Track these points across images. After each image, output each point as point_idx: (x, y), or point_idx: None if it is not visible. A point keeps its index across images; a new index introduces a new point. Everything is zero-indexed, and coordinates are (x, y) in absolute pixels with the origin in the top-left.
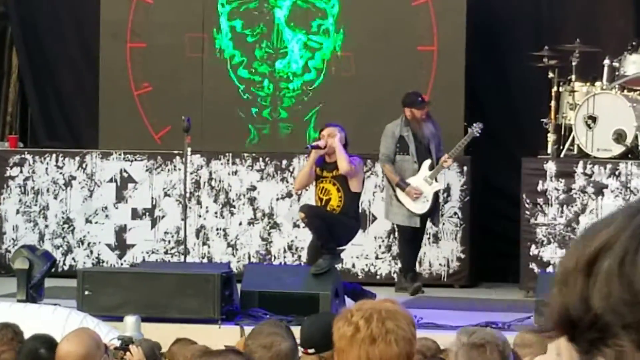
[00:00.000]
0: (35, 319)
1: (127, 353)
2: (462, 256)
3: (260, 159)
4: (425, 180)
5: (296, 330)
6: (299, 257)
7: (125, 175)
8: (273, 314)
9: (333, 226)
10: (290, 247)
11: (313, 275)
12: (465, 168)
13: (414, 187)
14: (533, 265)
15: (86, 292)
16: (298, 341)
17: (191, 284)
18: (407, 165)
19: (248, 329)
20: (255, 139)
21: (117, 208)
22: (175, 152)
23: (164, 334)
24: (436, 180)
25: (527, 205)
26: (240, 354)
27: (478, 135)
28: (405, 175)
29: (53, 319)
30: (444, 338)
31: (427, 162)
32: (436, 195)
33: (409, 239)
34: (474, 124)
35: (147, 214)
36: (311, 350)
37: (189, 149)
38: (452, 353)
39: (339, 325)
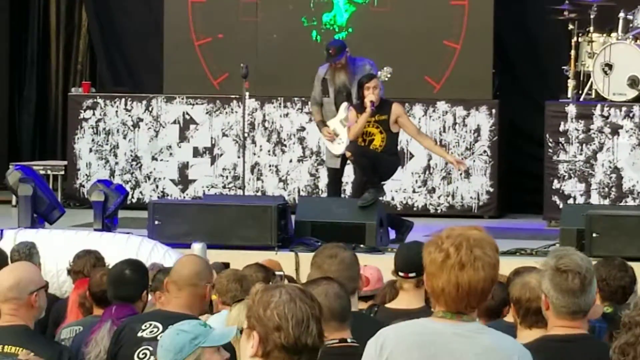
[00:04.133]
0: (112, 246)
1: None
2: (491, 190)
3: (309, 102)
4: (341, 122)
5: None
6: (344, 190)
7: (187, 117)
8: (324, 242)
9: (377, 163)
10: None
11: (360, 207)
12: (493, 111)
13: (328, 129)
14: (555, 198)
15: (156, 222)
16: (391, 267)
17: (251, 214)
18: (329, 107)
19: (301, 255)
20: None
21: (180, 147)
22: (233, 96)
23: (226, 260)
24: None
25: (550, 144)
26: (331, 280)
27: (387, 79)
28: (328, 117)
29: (127, 245)
30: None
31: (344, 105)
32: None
33: (331, 181)
34: (384, 68)
35: (207, 152)
36: (412, 274)
37: (247, 93)
38: (540, 272)
39: (430, 250)
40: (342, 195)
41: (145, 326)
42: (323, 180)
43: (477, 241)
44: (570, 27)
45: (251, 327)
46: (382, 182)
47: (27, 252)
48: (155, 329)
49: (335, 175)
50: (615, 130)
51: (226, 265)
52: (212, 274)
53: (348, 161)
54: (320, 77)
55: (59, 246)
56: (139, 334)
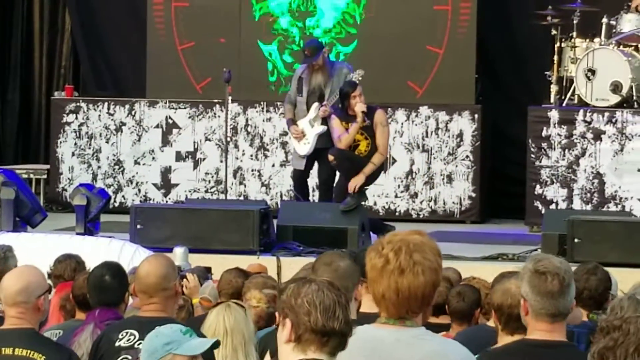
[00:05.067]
0: (93, 250)
1: (184, 280)
2: (473, 195)
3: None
4: (309, 123)
5: None
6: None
7: (170, 121)
8: (306, 247)
9: (360, 168)
10: (318, 187)
11: (342, 212)
12: (476, 116)
13: (297, 127)
14: (537, 203)
15: (138, 226)
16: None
17: (233, 218)
18: (300, 107)
19: (283, 259)
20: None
21: (162, 151)
22: (215, 100)
23: (208, 264)
24: (321, 123)
25: (532, 149)
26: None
27: (358, 82)
28: (299, 116)
29: (109, 249)
30: (461, 267)
31: (315, 105)
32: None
33: (297, 183)
34: (357, 70)
35: (190, 156)
36: None
37: (230, 98)
38: (520, 276)
39: (371, 256)
40: (311, 197)
41: (122, 335)
42: None
43: (417, 246)
44: (554, 32)
45: (284, 316)
46: (365, 187)
47: (3, 256)
48: (132, 337)
49: (301, 177)
50: (598, 135)
51: (208, 270)
52: (175, 269)
53: (315, 163)
54: (297, 75)
55: (41, 250)
56: (117, 344)
